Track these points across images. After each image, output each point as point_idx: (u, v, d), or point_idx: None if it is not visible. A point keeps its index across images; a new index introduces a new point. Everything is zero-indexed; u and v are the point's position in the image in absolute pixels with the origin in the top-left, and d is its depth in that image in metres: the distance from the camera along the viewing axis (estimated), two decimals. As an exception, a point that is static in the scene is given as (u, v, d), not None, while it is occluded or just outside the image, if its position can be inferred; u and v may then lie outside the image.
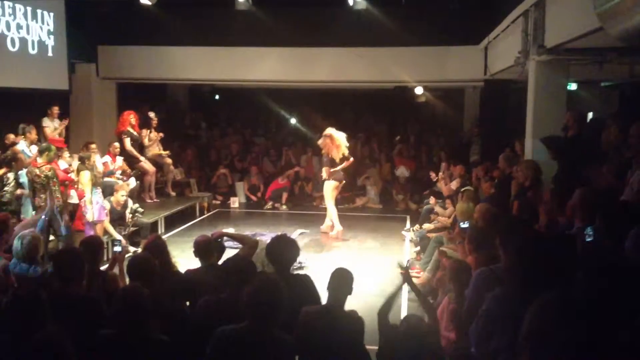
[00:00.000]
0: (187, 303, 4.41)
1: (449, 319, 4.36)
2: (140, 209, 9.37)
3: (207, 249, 4.54)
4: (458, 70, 11.68)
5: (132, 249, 8.55)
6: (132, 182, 10.48)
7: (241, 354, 3.14)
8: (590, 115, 12.59)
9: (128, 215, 8.99)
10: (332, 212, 9.87)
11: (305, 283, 4.36)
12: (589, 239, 3.25)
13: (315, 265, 7.91)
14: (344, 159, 9.79)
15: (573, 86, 11.38)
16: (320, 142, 9.97)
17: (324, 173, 9.90)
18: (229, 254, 5.01)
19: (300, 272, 7.26)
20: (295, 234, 9.46)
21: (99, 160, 9.54)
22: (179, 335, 3.46)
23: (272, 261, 4.38)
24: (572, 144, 5.75)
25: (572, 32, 5.77)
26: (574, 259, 2.94)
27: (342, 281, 3.85)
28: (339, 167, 9.79)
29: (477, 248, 4.58)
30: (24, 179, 8.31)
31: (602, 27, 4.10)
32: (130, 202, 9.05)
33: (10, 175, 8.09)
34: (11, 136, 8.92)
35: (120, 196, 8.79)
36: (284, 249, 4.36)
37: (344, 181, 10.02)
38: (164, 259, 4.39)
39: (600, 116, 8.91)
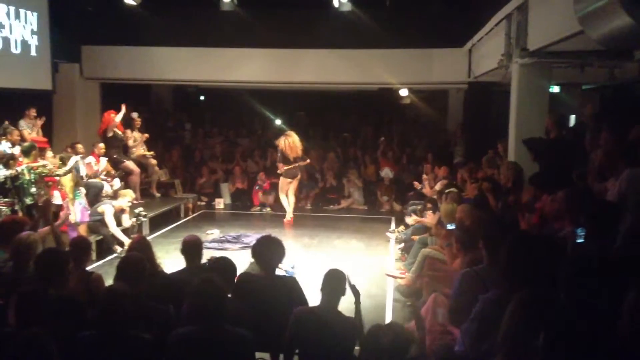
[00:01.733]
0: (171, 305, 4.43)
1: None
2: (143, 212, 9.39)
3: (194, 249, 4.54)
4: (442, 72, 11.78)
5: (118, 248, 8.55)
6: (117, 183, 10.43)
7: (198, 355, 3.16)
8: (572, 118, 12.77)
9: (132, 220, 8.98)
10: (284, 203, 11.07)
11: (291, 284, 4.39)
12: (579, 240, 3.27)
13: (301, 266, 7.92)
14: (299, 159, 10.91)
15: (555, 89, 11.52)
16: (277, 140, 10.98)
17: (279, 169, 10.97)
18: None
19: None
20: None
21: (81, 161, 9.48)
22: (164, 336, 3.45)
23: (258, 262, 4.40)
24: (553, 146, 5.83)
25: (554, 35, 5.87)
26: (561, 260, 2.97)
27: (335, 282, 3.88)
28: (292, 165, 10.84)
29: (464, 248, 4.65)
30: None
31: (583, 30, 4.18)
32: (126, 203, 9.01)
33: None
34: None
35: (127, 202, 8.82)
36: (269, 250, 4.39)
37: (299, 176, 11.12)
38: (149, 259, 4.38)
39: (582, 120, 9.02)
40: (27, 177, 7.26)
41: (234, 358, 3.17)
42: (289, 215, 11.05)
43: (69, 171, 8.12)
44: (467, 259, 4.17)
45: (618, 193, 3.99)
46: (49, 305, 3.62)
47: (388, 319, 6.25)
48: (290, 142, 10.71)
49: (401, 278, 6.98)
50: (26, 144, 7.98)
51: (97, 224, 8.58)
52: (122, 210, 8.87)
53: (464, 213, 5.77)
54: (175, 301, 4.35)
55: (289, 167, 10.84)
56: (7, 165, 7.42)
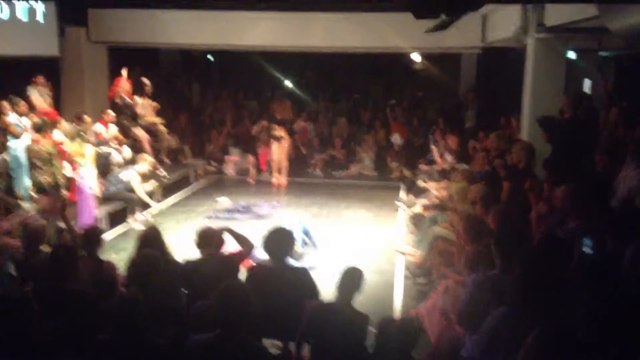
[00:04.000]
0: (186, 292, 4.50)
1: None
2: (165, 174, 9.59)
3: (208, 241, 4.56)
4: (455, 37, 11.43)
5: (131, 220, 8.64)
6: (126, 151, 10.42)
7: None
8: (587, 82, 12.48)
9: (152, 184, 9.27)
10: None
11: (302, 275, 4.42)
12: (587, 250, 3.23)
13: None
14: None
15: (571, 54, 11.24)
16: None
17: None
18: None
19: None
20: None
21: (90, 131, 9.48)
22: (178, 336, 3.51)
23: (269, 253, 4.44)
24: (567, 128, 5.73)
25: (572, 15, 5.68)
26: (571, 266, 2.95)
27: (351, 280, 3.95)
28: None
29: (474, 240, 4.62)
30: (15, 152, 8.27)
31: (603, 24, 4.03)
32: (147, 168, 9.21)
33: None
34: (4, 103, 8.70)
35: (147, 167, 9.15)
36: (278, 241, 4.43)
37: (285, 141, 11.89)
38: (160, 251, 4.41)
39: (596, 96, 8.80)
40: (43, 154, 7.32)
41: None
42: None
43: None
44: (470, 250, 4.14)
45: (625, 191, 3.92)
46: (63, 300, 3.71)
47: (398, 296, 6.32)
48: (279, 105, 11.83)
49: (411, 255, 7.00)
50: (37, 120, 7.94)
51: (120, 191, 8.68)
52: (142, 175, 8.99)
53: (477, 195, 5.71)
54: (189, 289, 4.45)
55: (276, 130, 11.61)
56: None
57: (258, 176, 12.28)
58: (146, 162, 9.18)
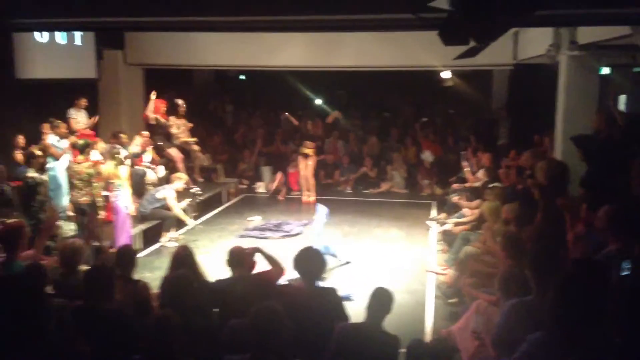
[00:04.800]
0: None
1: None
2: (199, 191, 9.86)
3: (239, 260, 4.61)
4: (487, 54, 11.32)
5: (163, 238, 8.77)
6: (161, 171, 10.62)
7: None
8: (623, 98, 12.23)
9: (186, 201, 9.47)
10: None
11: (331, 296, 4.43)
12: (626, 273, 3.16)
13: (342, 255, 7.92)
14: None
15: (605, 70, 11.07)
16: None
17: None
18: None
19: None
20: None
21: (123, 152, 9.69)
22: (208, 353, 3.56)
23: (300, 273, 4.46)
24: (603, 147, 5.62)
25: (605, 33, 5.62)
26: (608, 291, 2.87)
27: (381, 302, 3.97)
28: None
29: (511, 256, 4.58)
30: (54, 172, 8.49)
31: (636, 42, 3.99)
32: (182, 186, 9.49)
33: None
34: (45, 125, 8.97)
35: (182, 185, 9.40)
36: (310, 262, 4.45)
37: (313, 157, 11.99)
38: (192, 270, 4.47)
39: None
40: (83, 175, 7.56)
41: None
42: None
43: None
44: (504, 271, 4.10)
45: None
46: (98, 321, 3.78)
47: (429, 317, 6.26)
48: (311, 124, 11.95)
49: (443, 274, 6.94)
50: (81, 141, 8.16)
51: (157, 209, 8.86)
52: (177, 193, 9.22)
53: (512, 215, 5.65)
54: (220, 307, 4.50)
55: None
56: (29, 163, 7.63)
57: (288, 194, 12.36)
58: (181, 180, 9.39)
